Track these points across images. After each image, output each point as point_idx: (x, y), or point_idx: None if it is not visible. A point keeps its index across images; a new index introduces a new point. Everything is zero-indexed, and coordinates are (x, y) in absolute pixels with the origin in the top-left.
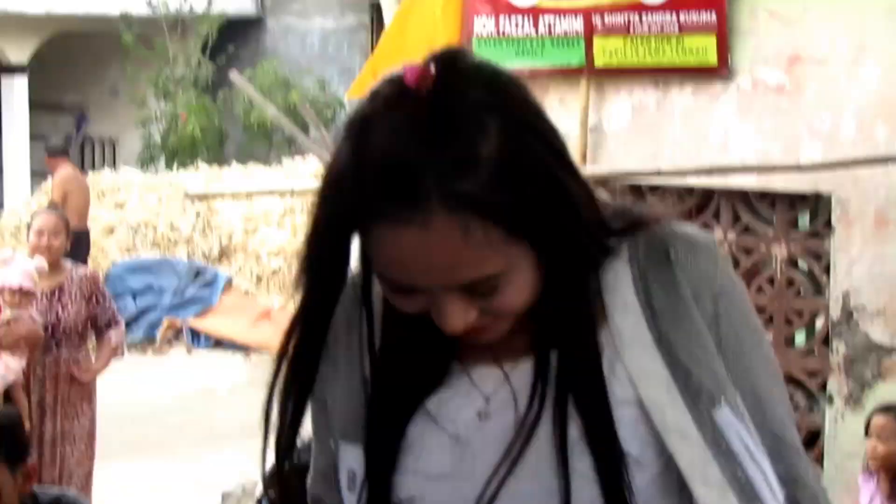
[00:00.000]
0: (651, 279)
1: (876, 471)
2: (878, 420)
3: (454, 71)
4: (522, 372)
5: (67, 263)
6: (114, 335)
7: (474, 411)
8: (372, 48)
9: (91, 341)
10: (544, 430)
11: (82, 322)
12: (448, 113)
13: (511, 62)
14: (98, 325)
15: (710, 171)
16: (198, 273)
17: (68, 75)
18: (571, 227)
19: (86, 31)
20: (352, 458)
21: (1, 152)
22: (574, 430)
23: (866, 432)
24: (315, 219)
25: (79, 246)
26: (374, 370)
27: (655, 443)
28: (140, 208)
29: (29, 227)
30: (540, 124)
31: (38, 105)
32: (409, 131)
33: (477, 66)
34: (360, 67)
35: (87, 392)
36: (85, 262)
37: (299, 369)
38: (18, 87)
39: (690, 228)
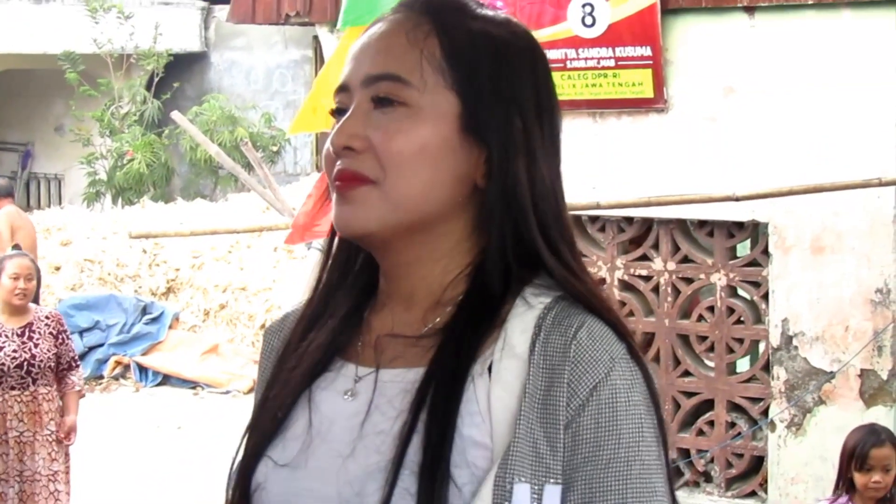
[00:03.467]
0: (547, 342)
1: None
2: (880, 452)
3: None
4: (393, 376)
5: (31, 304)
6: (76, 379)
7: (341, 392)
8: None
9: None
10: (389, 438)
11: (53, 359)
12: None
13: None
14: (61, 364)
15: (648, 204)
16: (144, 309)
17: (13, 112)
18: (501, 149)
19: (30, 68)
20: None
21: None
22: (414, 446)
23: (861, 465)
24: None
25: None
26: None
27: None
28: (86, 246)
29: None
30: (545, 101)
31: None
32: None
33: None
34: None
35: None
36: (36, 299)
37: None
38: None
39: (613, 329)
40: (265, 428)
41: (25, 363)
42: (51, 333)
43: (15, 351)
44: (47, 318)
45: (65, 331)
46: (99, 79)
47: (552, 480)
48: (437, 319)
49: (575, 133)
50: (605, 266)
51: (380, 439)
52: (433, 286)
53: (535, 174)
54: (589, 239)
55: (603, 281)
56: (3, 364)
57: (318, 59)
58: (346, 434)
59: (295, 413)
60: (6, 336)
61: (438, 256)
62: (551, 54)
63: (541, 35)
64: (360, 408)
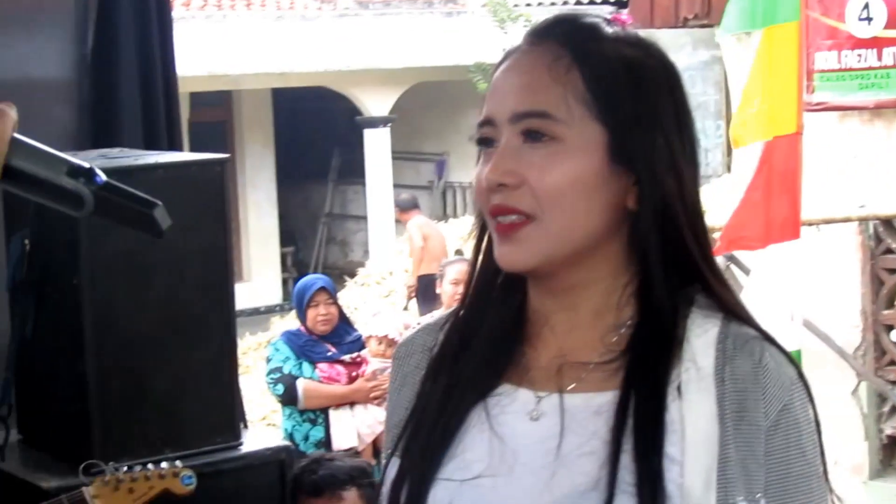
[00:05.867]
0: (734, 366)
1: None
2: None
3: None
4: (581, 400)
5: None
6: None
7: (523, 414)
8: (725, 82)
9: None
10: (593, 459)
11: None
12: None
13: (854, 95)
14: None
15: None
16: None
17: (428, 123)
18: (648, 178)
19: (442, 80)
20: (393, 472)
21: (366, 203)
22: (626, 473)
23: None
24: None
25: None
26: (425, 385)
27: None
28: None
29: (441, 276)
30: (683, 116)
31: (400, 154)
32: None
33: None
34: (715, 102)
35: None
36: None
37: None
38: (381, 139)
39: (784, 354)
40: (432, 448)
41: None
42: None
43: None
44: None
45: None
46: None
47: (759, 494)
48: (615, 340)
49: None
50: None
51: (582, 461)
52: (599, 308)
53: (684, 192)
54: None
55: None
56: None
57: None
58: (541, 456)
59: (467, 433)
60: None
61: (599, 279)
62: None
63: None
64: (550, 431)
